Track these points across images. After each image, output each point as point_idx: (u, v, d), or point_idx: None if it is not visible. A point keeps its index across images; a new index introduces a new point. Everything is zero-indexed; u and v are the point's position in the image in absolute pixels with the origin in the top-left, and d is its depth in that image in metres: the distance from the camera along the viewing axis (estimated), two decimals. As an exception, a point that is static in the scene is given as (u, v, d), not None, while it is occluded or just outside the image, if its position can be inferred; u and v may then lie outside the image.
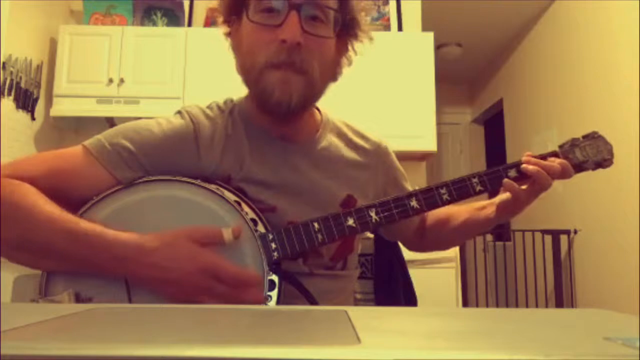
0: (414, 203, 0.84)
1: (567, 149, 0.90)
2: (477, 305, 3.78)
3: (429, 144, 2.92)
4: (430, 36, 3.05)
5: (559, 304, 3.24)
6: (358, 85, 2.91)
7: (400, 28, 3.20)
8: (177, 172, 0.81)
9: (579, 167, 0.89)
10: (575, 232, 3.30)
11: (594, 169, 0.90)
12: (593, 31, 3.16)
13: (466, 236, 1.05)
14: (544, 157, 0.88)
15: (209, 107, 0.91)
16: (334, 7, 0.82)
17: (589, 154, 0.90)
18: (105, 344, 0.32)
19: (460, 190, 0.85)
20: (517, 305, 4.00)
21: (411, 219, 0.99)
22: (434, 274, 2.40)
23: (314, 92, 0.84)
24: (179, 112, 0.89)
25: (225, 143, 0.86)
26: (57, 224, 0.72)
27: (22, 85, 2.74)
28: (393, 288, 1.08)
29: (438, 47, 4.07)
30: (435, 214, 1.03)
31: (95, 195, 0.79)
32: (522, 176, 0.86)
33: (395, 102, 2.94)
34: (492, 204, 0.93)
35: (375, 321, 0.45)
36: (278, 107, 0.81)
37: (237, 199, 0.80)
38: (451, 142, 5.35)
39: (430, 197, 0.84)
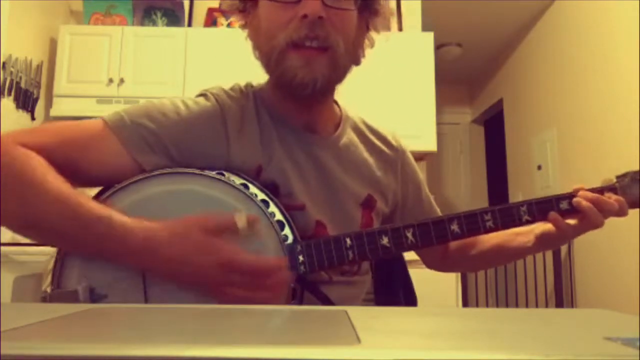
0: (454, 227, 0.79)
1: (627, 184, 0.83)
2: (477, 305, 3.78)
3: (429, 144, 2.92)
4: (430, 36, 3.05)
5: (559, 304, 3.24)
6: (358, 85, 2.90)
7: (400, 28, 3.20)
8: (205, 158, 0.77)
9: (636, 204, 0.83)
10: (575, 232, 3.30)
11: None
12: (593, 31, 3.16)
13: (495, 261, 0.98)
14: (601, 190, 0.83)
15: (232, 89, 0.86)
16: None
17: None
18: (105, 344, 0.32)
19: (506, 218, 0.80)
20: (517, 305, 4.00)
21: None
22: (434, 274, 2.39)
23: (339, 70, 0.80)
24: (204, 95, 0.84)
25: (253, 128, 0.82)
26: (66, 207, 0.67)
27: (22, 85, 2.74)
28: (393, 288, 1.07)
29: (438, 47, 4.07)
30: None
31: (109, 173, 0.75)
32: (574, 209, 0.81)
33: (395, 102, 2.93)
34: (531, 232, 0.88)
35: (375, 321, 0.45)
36: (302, 89, 0.76)
37: (265, 197, 0.76)
38: (451, 142, 5.34)
39: (473, 223, 0.79)
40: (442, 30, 3.66)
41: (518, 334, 0.39)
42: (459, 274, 2.56)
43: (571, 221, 0.82)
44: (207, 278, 0.67)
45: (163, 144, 0.77)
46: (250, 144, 0.80)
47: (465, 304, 2.89)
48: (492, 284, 3.79)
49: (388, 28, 0.87)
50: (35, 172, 0.68)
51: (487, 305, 3.77)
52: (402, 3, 3.24)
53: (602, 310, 0.50)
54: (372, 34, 0.86)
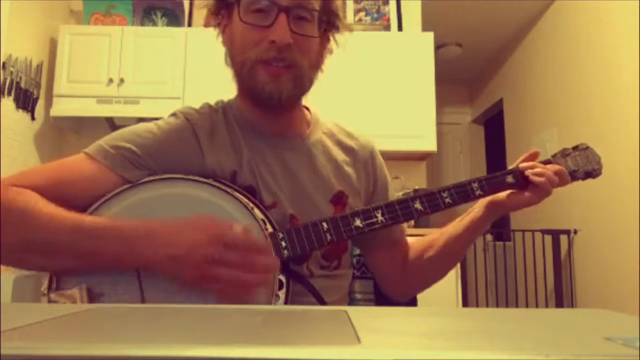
0: (418, 205, 0.87)
1: (558, 158, 0.95)
2: (477, 305, 3.78)
3: (429, 144, 2.92)
4: (430, 36, 3.05)
5: (559, 304, 3.24)
6: (358, 85, 2.91)
7: (400, 28, 3.20)
8: (184, 171, 0.83)
9: (571, 176, 0.93)
10: (575, 232, 3.30)
11: (584, 178, 0.95)
12: (593, 31, 3.16)
13: (454, 250, 0.97)
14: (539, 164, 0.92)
15: (201, 107, 0.94)
16: (318, 8, 0.87)
17: (580, 163, 0.94)
18: (105, 344, 0.32)
19: (461, 194, 0.88)
20: (517, 305, 4.00)
21: (397, 249, 0.99)
22: (434, 274, 2.39)
23: (303, 85, 0.88)
24: (174, 114, 0.91)
25: (223, 137, 0.89)
26: (61, 221, 0.73)
27: (22, 85, 2.74)
28: (393, 288, 1.07)
29: (438, 47, 4.07)
30: (416, 245, 1.01)
31: (101, 198, 0.80)
32: (518, 182, 0.90)
33: (395, 102, 2.93)
34: (479, 204, 0.93)
35: (375, 321, 0.45)
36: (269, 100, 0.85)
37: (246, 200, 0.81)
38: (451, 142, 5.35)
39: (433, 200, 0.87)
40: (442, 30, 3.66)
41: (518, 334, 0.39)
42: (459, 274, 2.56)
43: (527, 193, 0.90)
44: (199, 258, 0.70)
45: (143, 160, 0.83)
46: (223, 152, 0.87)
47: (465, 304, 2.89)
48: (492, 284, 3.79)
49: (350, 29, 0.95)
50: (28, 201, 0.74)
51: (487, 305, 3.77)
52: (402, 3, 3.25)
53: (602, 310, 0.50)
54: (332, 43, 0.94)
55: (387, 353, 0.30)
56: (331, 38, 0.93)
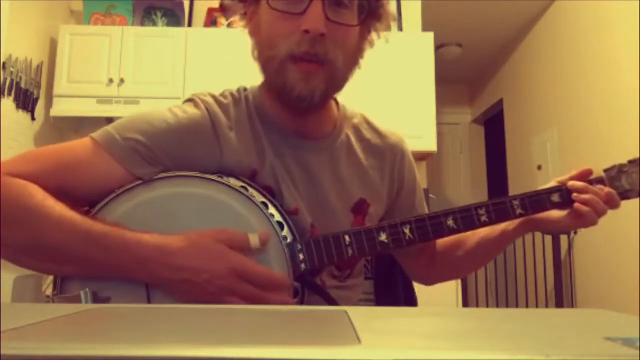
0: (450, 222, 0.79)
1: (614, 176, 0.85)
2: (477, 305, 3.78)
3: (429, 144, 2.92)
4: (430, 36, 3.05)
5: (559, 304, 3.24)
6: (358, 85, 2.90)
7: (400, 28, 3.20)
8: (199, 165, 0.77)
9: (623, 196, 0.84)
10: (575, 232, 3.30)
11: (637, 197, 0.85)
12: (593, 31, 3.15)
13: (480, 256, 0.95)
14: (589, 182, 0.84)
15: (222, 95, 0.85)
16: None
17: (635, 181, 0.85)
18: (106, 344, 0.32)
19: (500, 212, 0.81)
20: (517, 305, 4.00)
21: (426, 248, 0.96)
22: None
23: (337, 83, 0.80)
24: (192, 100, 0.83)
25: (245, 134, 0.81)
26: (71, 226, 0.68)
27: (22, 85, 2.74)
28: (393, 288, 1.07)
29: (438, 47, 4.07)
30: (445, 240, 0.96)
31: (106, 190, 0.74)
32: (564, 201, 0.82)
33: (395, 102, 2.93)
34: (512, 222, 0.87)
35: (375, 321, 0.45)
36: (299, 103, 0.76)
37: (264, 199, 0.76)
38: (451, 142, 5.35)
39: (468, 217, 0.80)
40: (442, 30, 3.66)
41: (518, 334, 0.39)
42: (459, 274, 2.56)
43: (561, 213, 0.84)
44: (215, 288, 0.67)
45: (155, 154, 0.76)
46: (243, 149, 0.80)
47: (465, 304, 2.89)
48: (492, 284, 3.79)
49: (389, 28, 0.86)
50: (33, 198, 0.69)
51: (487, 305, 3.77)
52: (402, 3, 3.24)
53: (602, 310, 0.50)
54: (373, 35, 0.86)
55: (387, 353, 0.30)
56: (372, 29, 0.83)
